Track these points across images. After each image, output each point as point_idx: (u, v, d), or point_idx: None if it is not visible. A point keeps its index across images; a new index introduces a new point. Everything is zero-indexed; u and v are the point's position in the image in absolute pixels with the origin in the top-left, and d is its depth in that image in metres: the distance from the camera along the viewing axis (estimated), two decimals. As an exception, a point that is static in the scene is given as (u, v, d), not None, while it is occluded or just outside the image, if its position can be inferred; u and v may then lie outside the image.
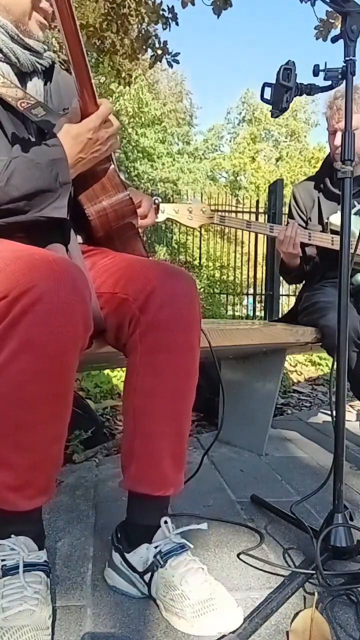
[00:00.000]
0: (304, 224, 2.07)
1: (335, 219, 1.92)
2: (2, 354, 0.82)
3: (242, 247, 8.34)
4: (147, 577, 0.97)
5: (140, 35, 4.44)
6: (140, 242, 1.24)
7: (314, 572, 1.01)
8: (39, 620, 0.83)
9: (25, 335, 0.81)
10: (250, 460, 1.85)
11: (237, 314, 7.67)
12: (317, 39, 3.87)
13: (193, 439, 2.06)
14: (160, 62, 4.38)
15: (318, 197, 2.06)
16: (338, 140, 1.87)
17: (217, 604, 0.90)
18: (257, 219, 6.54)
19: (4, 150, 1.00)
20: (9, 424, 0.85)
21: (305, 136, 25.64)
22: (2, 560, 0.88)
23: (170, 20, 4.05)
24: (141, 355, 0.98)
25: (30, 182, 0.94)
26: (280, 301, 6.45)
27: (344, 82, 1.13)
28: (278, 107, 1.18)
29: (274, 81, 1.17)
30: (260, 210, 6.78)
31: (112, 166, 1.14)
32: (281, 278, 2.97)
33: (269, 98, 1.19)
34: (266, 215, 6.18)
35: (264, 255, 6.60)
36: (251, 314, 7.41)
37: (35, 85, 1.14)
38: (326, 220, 1.99)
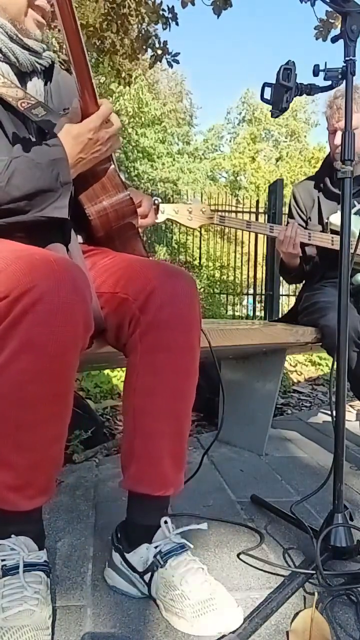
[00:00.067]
0: (303, 224, 2.07)
1: (335, 219, 1.92)
2: (2, 354, 0.82)
3: (242, 247, 8.34)
4: (147, 577, 0.97)
5: (140, 35, 4.44)
6: (140, 242, 1.24)
7: (314, 572, 1.01)
8: (39, 620, 0.83)
9: (26, 335, 0.81)
10: (250, 460, 1.85)
11: (237, 314, 7.67)
12: (317, 39, 3.86)
13: (193, 439, 2.06)
14: (160, 62, 4.38)
15: (318, 197, 2.06)
16: (338, 140, 1.87)
17: (217, 604, 0.90)
18: (257, 219, 6.54)
19: (5, 150, 1.00)
20: (9, 424, 0.85)
21: (305, 136, 25.64)
22: (2, 560, 0.88)
23: (170, 20, 4.05)
24: (141, 355, 0.98)
25: (31, 182, 0.94)
26: (280, 301, 6.45)
27: (344, 82, 1.13)
28: (278, 107, 1.18)
29: (274, 81, 1.16)
30: (260, 210, 6.78)
31: (113, 166, 1.14)
32: (281, 278, 2.97)
33: (269, 98, 1.19)
34: (266, 215, 6.18)
35: (264, 255, 6.60)
36: (251, 314, 7.41)
37: (35, 85, 1.14)
38: (326, 220, 1.99)
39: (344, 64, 1.12)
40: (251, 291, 7.72)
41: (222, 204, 7.89)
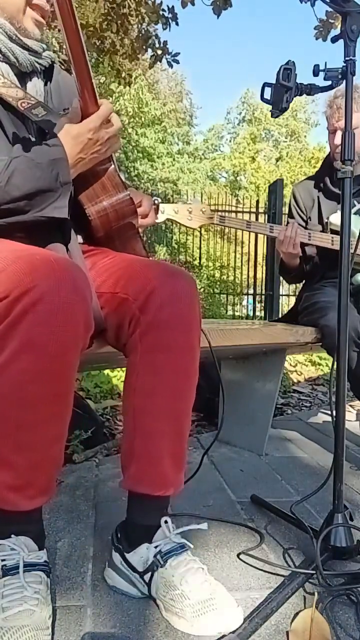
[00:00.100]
0: (303, 224, 2.07)
1: (335, 219, 1.92)
2: (3, 354, 0.82)
3: (242, 247, 8.34)
4: (147, 577, 0.97)
5: (140, 35, 4.44)
6: (140, 242, 1.24)
7: (314, 572, 1.01)
8: (39, 620, 0.83)
9: (26, 335, 0.81)
10: (250, 460, 1.85)
11: (237, 314, 7.67)
12: (317, 39, 3.87)
13: (193, 439, 2.06)
14: (160, 62, 4.38)
15: (318, 197, 2.06)
16: (338, 139, 1.87)
17: (217, 603, 0.90)
18: (257, 219, 6.54)
19: (5, 150, 1.00)
20: (9, 424, 0.85)
21: (305, 136, 25.65)
22: (2, 560, 0.88)
23: (170, 20, 4.05)
24: (141, 354, 0.98)
25: (30, 181, 0.94)
26: (280, 301, 6.45)
27: (344, 82, 1.13)
28: (278, 107, 1.18)
29: (274, 81, 1.16)
30: (260, 210, 6.78)
31: (113, 166, 1.14)
32: (281, 278, 2.97)
33: (269, 98, 1.19)
34: (266, 215, 6.18)
35: (264, 255, 6.60)
36: (251, 314, 7.41)
37: (35, 86, 1.14)
38: (326, 220, 1.99)
39: (344, 64, 1.12)
40: (251, 291, 7.72)
41: (222, 204, 7.89)
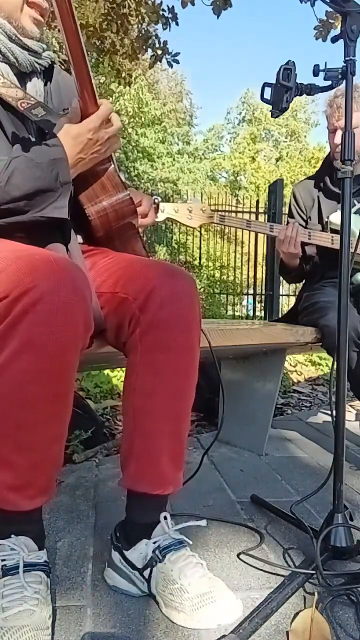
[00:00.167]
0: (303, 224, 2.07)
1: (335, 218, 1.92)
2: (3, 354, 0.82)
3: (242, 247, 8.33)
4: (146, 573, 0.97)
5: (140, 35, 4.44)
6: (140, 242, 1.24)
7: (314, 572, 1.01)
8: (39, 620, 0.83)
9: (26, 336, 0.81)
10: (250, 460, 1.85)
11: (237, 314, 7.66)
12: (317, 39, 3.87)
13: (193, 439, 2.06)
14: (160, 62, 4.38)
15: (318, 196, 2.06)
16: (338, 139, 1.87)
17: (216, 596, 0.91)
18: (257, 219, 6.53)
19: (5, 150, 1.00)
20: (9, 424, 0.85)
21: (305, 136, 25.65)
22: (2, 560, 0.88)
23: (170, 20, 4.05)
24: (141, 354, 0.98)
25: (30, 181, 0.94)
26: (280, 301, 6.45)
27: (344, 82, 1.13)
28: (278, 107, 1.17)
29: (274, 81, 1.16)
30: (260, 210, 6.77)
31: (113, 166, 1.14)
32: (281, 278, 2.97)
33: (269, 98, 1.19)
34: (266, 215, 6.17)
35: (264, 255, 6.60)
36: (251, 314, 7.41)
37: (35, 86, 1.14)
38: (326, 220, 1.99)
39: (344, 64, 1.12)
40: (251, 291, 7.71)
41: (222, 204, 7.89)
